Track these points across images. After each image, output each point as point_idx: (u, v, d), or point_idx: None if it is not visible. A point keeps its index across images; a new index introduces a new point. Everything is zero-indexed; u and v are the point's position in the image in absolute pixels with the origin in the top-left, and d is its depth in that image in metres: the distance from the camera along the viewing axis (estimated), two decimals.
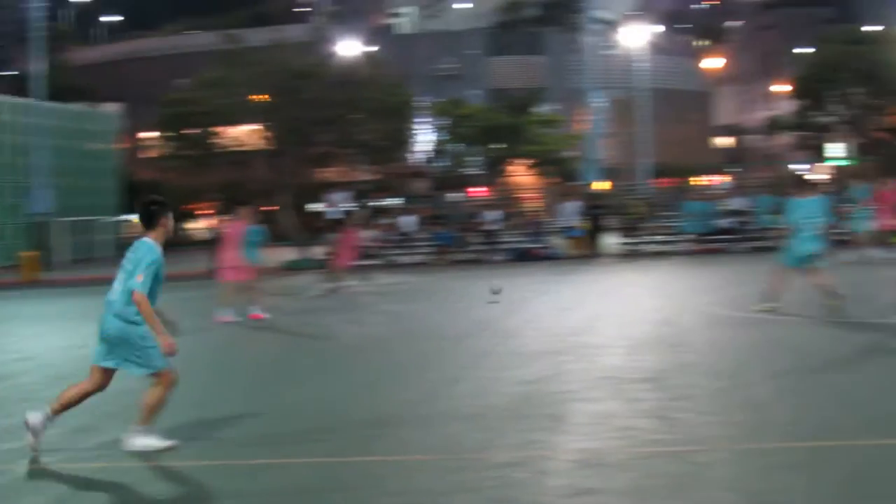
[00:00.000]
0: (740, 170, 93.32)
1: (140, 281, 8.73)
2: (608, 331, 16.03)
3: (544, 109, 58.64)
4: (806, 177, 17.78)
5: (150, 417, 9.07)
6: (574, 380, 11.78)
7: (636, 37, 57.11)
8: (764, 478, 7.61)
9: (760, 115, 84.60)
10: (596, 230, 36.78)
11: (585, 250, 36.43)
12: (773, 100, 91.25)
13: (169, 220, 9.23)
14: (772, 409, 9.93)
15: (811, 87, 42.65)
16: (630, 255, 35.70)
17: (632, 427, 9.27)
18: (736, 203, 37.61)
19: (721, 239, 36.07)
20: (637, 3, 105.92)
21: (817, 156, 74.81)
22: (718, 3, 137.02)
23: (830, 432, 8.87)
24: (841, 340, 14.00)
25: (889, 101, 41.56)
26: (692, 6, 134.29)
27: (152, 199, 9.42)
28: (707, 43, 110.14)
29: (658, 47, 71.31)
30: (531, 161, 53.26)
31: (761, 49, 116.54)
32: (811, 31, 71.43)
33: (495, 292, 17.63)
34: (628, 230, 37.80)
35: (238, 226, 20.34)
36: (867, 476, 7.55)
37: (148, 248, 8.98)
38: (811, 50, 47.09)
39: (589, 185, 41.43)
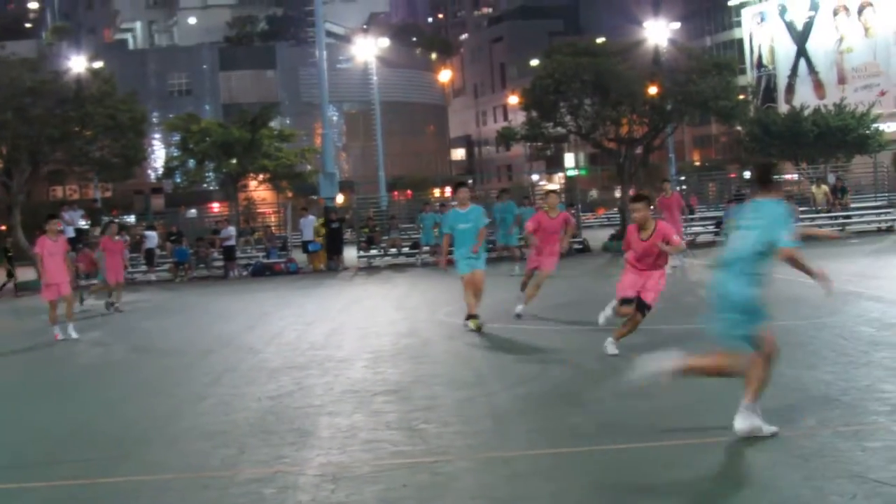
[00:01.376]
0: (476, 182, 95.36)
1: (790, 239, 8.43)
2: (351, 344, 16.11)
3: (279, 123, 58.50)
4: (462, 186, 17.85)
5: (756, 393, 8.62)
6: (319, 394, 11.82)
7: (370, 50, 57.60)
8: (509, 485, 7.77)
9: (494, 126, 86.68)
10: (335, 244, 36.91)
11: (324, 264, 36.52)
12: (507, 111, 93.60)
13: (781, 184, 9.03)
14: (514, 417, 10.14)
15: (541, 99, 43.64)
16: (370, 268, 35.97)
17: (377, 440, 9.36)
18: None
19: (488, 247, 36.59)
20: (370, 17, 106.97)
21: (550, 166, 77.20)
22: (450, 16, 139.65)
23: (573, 439, 9.12)
24: (580, 346, 14.50)
25: (618, 112, 42.97)
26: (424, 20, 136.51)
27: (768, 161, 9.37)
28: (440, 56, 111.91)
29: (392, 61, 72.28)
30: (268, 176, 53.01)
31: (492, 61, 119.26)
32: (540, 43, 73.54)
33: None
34: (367, 243, 38.08)
35: (46, 241, 19.33)
36: (610, 480, 7.80)
37: (778, 205, 8.69)
38: (543, 61, 48.32)
39: (325, 199, 41.47)
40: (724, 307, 8.55)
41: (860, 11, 75.58)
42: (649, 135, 44.04)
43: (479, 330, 16.19)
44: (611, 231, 40.38)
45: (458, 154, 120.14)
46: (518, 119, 52.67)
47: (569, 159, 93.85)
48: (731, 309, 8.51)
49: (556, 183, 74.80)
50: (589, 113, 43.39)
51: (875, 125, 58.58)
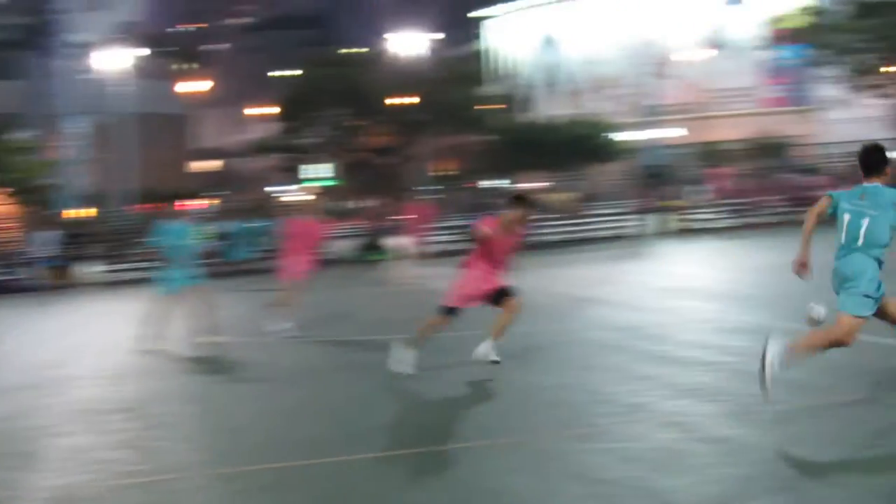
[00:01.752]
0: (227, 193, 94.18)
1: None
2: (87, 362, 15.68)
3: (21, 135, 56.54)
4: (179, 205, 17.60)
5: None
6: (49, 414, 11.49)
7: (115, 60, 56.26)
8: (240, 500, 7.76)
9: (245, 137, 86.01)
10: (75, 259, 35.89)
11: (65, 280, 35.43)
12: (257, 122, 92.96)
13: (891, 167, 8.61)
14: (248, 431, 10.08)
15: (295, 110, 43.62)
16: (113, 284, 35.08)
17: (106, 460, 9.17)
18: (223, 227, 37.69)
19: (206, 263, 36.01)
20: (116, 26, 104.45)
21: (300, 178, 77.04)
22: (202, 25, 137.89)
23: (309, 451, 9.08)
24: (324, 359, 14.54)
25: (370, 122, 43.27)
26: (174, 29, 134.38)
27: (877, 146, 8.74)
28: (191, 66, 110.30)
29: (140, 71, 70.77)
30: (7, 190, 51.16)
31: (246, 71, 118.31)
32: (295, 54, 73.33)
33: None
34: (111, 258, 37.11)
35: None
36: (342, 492, 7.84)
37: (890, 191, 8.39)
38: (296, 72, 48.41)
39: (67, 212, 40.28)
40: (859, 284, 8.68)
41: (607, 24, 77.82)
42: (401, 145, 44.52)
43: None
44: (361, 241, 40.25)
45: (210, 165, 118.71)
46: (270, 130, 52.44)
47: (315, 170, 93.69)
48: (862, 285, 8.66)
49: (306, 194, 74.55)
50: (339, 123, 43.60)
51: (605, 134, 59.81)
